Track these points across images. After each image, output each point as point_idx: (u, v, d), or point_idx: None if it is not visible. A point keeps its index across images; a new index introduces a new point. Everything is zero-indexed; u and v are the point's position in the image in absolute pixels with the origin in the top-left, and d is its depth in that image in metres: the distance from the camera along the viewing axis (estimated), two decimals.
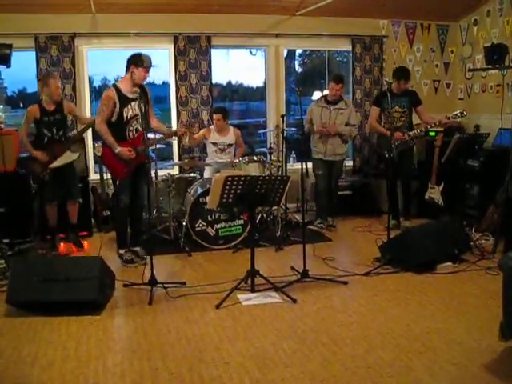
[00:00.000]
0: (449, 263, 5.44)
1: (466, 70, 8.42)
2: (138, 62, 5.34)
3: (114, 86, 5.47)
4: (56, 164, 5.96)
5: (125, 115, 5.41)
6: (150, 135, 5.78)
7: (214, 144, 6.94)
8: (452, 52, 8.65)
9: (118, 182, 5.58)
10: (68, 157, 6.05)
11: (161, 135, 5.81)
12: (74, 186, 6.26)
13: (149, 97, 5.63)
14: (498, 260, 3.77)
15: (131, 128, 5.48)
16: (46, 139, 5.95)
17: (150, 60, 5.40)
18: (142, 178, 5.62)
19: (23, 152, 6.27)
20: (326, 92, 7.21)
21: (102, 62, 8.77)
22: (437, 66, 8.65)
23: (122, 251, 5.74)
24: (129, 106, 5.42)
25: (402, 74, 6.79)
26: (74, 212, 6.31)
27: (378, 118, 6.98)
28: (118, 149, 5.38)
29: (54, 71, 7.03)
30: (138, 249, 5.81)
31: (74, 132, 6.43)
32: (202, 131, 7.14)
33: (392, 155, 6.09)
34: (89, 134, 7.28)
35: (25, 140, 5.96)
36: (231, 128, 7.09)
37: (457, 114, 6.39)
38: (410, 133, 6.72)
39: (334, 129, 6.82)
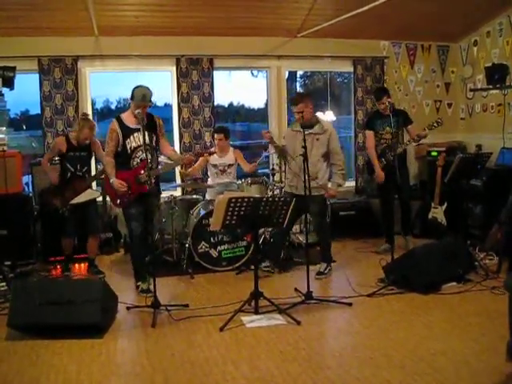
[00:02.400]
0: (453, 283, 5.40)
1: (467, 90, 8.45)
2: (131, 95, 5.29)
3: (118, 117, 5.45)
4: (77, 200, 5.93)
5: (128, 146, 5.36)
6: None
7: (215, 166, 6.92)
8: (453, 72, 8.70)
9: (126, 213, 5.50)
10: (90, 194, 6.01)
11: (169, 163, 5.75)
12: (95, 221, 6.20)
13: (158, 127, 5.51)
14: (504, 280, 3.75)
15: (135, 158, 5.40)
16: (69, 174, 5.94)
17: (142, 97, 5.21)
18: (146, 211, 5.49)
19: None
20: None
21: (104, 84, 8.84)
22: (438, 86, 8.68)
23: (138, 283, 5.59)
24: (131, 137, 5.36)
25: (378, 93, 6.77)
26: (93, 247, 6.20)
27: (373, 142, 6.81)
28: (112, 179, 5.34)
29: (57, 93, 7.08)
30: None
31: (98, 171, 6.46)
32: (201, 158, 6.93)
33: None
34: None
35: (45, 165, 6.00)
36: (231, 148, 7.08)
37: (433, 124, 6.35)
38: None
39: (334, 193, 6.03)
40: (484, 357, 3.83)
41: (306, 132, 5.54)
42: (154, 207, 5.65)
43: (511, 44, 7.37)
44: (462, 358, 3.84)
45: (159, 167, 5.58)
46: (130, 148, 5.37)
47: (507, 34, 7.44)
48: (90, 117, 6.60)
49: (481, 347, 4.00)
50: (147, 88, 5.29)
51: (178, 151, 7.55)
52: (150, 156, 5.30)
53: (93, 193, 6.09)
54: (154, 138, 5.47)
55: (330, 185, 5.96)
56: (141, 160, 5.39)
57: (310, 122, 5.79)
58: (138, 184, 5.36)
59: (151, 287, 5.13)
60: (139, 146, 5.34)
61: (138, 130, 5.30)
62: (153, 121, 5.46)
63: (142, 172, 5.32)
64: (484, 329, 4.35)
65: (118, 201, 5.45)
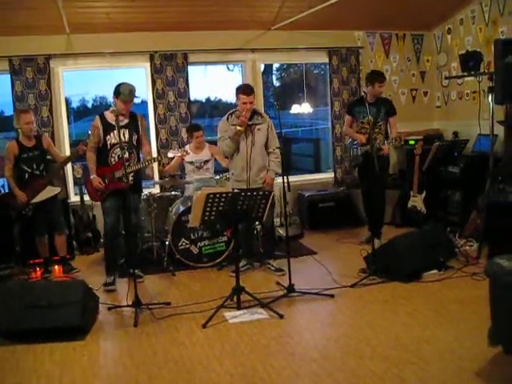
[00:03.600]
0: (434, 271, 5.44)
1: (442, 78, 8.49)
2: (116, 92, 5.41)
3: (101, 114, 5.61)
4: (38, 199, 5.91)
5: (108, 142, 5.52)
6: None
7: (191, 163, 6.87)
8: (428, 61, 8.73)
9: (102, 206, 5.67)
10: (50, 191, 5.98)
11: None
12: (58, 218, 6.19)
13: (140, 125, 5.70)
14: (484, 266, 3.77)
15: (113, 154, 5.56)
16: (26, 175, 5.89)
17: (129, 92, 5.37)
18: (126, 204, 5.55)
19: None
20: (235, 108, 5.88)
21: (80, 83, 8.73)
22: (413, 75, 8.71)
23: (106, 276, 5.68)
24: (112, 133, 5.48)
25: (376, 75, 6.58)
26: (61, 244, 6.22)
27: (351, 125, 6.84)
28: (92, 175, 5.57)
29: (30, 93, 6.98)
30: (137, 271, 5.62)
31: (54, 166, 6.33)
32: (177, 157, 7.00)
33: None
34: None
35: (8, 178, 5.91)
36: (206, 144, 7.03)
37: (392, 139, 6.34)
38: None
39: (271, 182, 5.82)
40: (467, 343, 3.85)
41: (247, 123, 5.61)
42: (134, 203, 5.66)
43: (484, 31, 7.41)
44: (445, 345, 3.86)
45: (138, 166, 5.61)
46: (109, 144, 5.51)
47: (480, 22, 7.48)
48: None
49: (463, 333, 4.02)
50: (131, 84, 5.42)
51: (155, 148, 7.50)
52: (127, 154, 5.47)
53: (53, 189, 6.04)
54: (136, 137, 5.61)
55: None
56: (119, 157, 5.51)
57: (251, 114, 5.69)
58: (113, 180, 5.53)
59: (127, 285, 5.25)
60: (117, 143, 5.44)
61: (120, 128, 5.33)
62: (135, 119, 5.63)
63: (119, 168, 5.44)
64: (466, 315, 4.38)
65: (99, 193, 5.59)
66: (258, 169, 5.73)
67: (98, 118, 5.60)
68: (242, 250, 6.03)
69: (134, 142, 5.60)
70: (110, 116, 5.47)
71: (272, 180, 5.81)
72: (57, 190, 6.11)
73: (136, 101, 5.58)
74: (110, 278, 5.64)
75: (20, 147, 5.86)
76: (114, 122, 5.32)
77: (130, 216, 5.52)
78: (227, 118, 5.78)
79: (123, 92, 5.35)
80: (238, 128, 5.56)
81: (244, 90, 5.65)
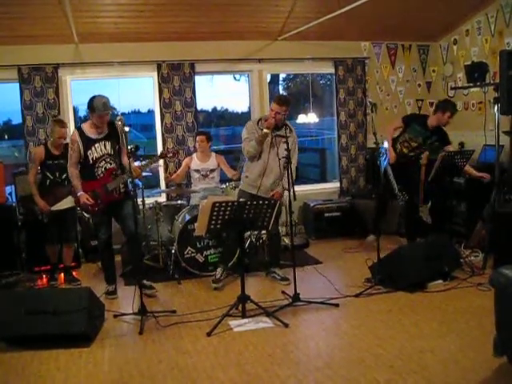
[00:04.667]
0: (439, 281, 5.43)
1: (448, 89, 8.50)
2: (91, 108, 5.20)
3: (79, 128, 5.41)
4: (57, 207, 5.90)
5: (90, 157, 5.30)
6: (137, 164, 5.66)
7: (197, 171, 6.92)
8: (434, 71, 8.75)
9: (92, 220, 5.56)
10: (69, 201, 5.93)
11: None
12: (71, 230, 6.19)
13: (121, 135, 5.37)
14: (489, 276, 3.77)
15: (99, 168, 5.35)
16: (48, 182, 5.91)
17: (103, 105, 5.15)
18: (120, 212, 5.46)
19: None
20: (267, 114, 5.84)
21: (87, 91, 8.78)
22: (419, 85, 8.73)
23: (106, 285, 5.65)
24: (93, 147, 5.30)
25: (452, 107, 6.56)
26: (68, 255, 6.24)
27: (396, 129, 6.84)
28: (79, 193, 5.32)
29: (38, 102, 7.03)
30: (145, 281, 5.58)
31: None
32: (184, 163, 7.14)
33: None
34: None
35: (31, 183, 5.90)
36: (213, 154, 7.07)
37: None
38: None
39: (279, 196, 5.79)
40: (471, 353, 3.85)
41: (274, 134, 5.67)
42: (130, 210, 5.40)
43: (490, 42, 7.44)
44: (449, 355, 3.85)
45: (124, 175, 5.37)
46: (93, 159, 5.32)
47: (486, 33, 7.51)
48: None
49: (468, 344, 4.02)
50: (103, 96, 5.22)
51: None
52: (113, 164, 5.37)
53: (72, 200, 6.00)
54: (116, 147, 5.42)
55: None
56: (105, 169, 5.37)
57: (280, 124, 5.68)
58: (107, 193, 5.36)
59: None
60: (101, 157, 5.34)
61: (99, 140, 5.32)
62: (114, 128, 5.38)
63: (110, 180, 5.34)
64: (471, 325, 4.38)
65: (97, 208, 5.39)
66: (273, 179, 5.75)
67: (76, 132, 5.35)
68: (220, 258, 6.11)
69: (116, 152, 5.43)
70: (89, 130, 5.31)
71: (280, 195, 5.83)
72: None
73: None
74: (112, 287, 5.62)
75: (46, 153, 5.88)
76: (93, 136, 5.30)
77: (129, 224, 5.39)
78: (257, 122, 5.80)
79: (97, 106, 5.14)
80: (265, 130, 5.58)
81: (277, 99, 5.67)
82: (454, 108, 6.63)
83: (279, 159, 5.55)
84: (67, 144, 6.01)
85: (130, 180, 5.25)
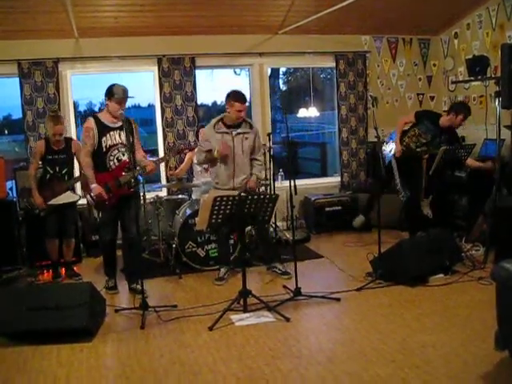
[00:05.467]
0: (441, 275, 5.43)
1: (448, 83, 8.49)
2: (109, 94, 5.18)
3: (94, 115, 5.37)
4: (54, 202, 5.85)
5: (103, 144, 5.23)
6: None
7: (199, 164, 6.90)
8: (434, 65, 8.73)
9: (100, 217, 5.44)
10: (68, 197, 5.93)
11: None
12: (70, 226, 6.13)
13: (134, 130, 5.32)
14: (491, 270, 3.76)
15: (111, 157, 5.28)
16: (48, 176, 5.87)
17: (123, 91, 5.17)
18: (127, 211, 5.37)
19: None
20: (223, 114, 5.76)
21: (87, 86, 8.77)
22: (420, 79, 8.71)
23: (106, 278, 5.62)
24: (108, 135, 5.25)
25: (466, 109, 6.55)
26: (68, 250, 6.21)
27: (407, 123, 6.83)
28: (93, 185, 5.19)
29: (38, 97, 7.03)
30: (134, 286, 5.49)
31: (78, 174, 6.28)
32: (187, 157, 7.10)
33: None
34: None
35: (31, 176, 5.86)
36: None
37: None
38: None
39: (254, 186, 5.87)
40: (473, 348, 3.85)
41: (234, 132, 5.63)
42: (138, 208, 5.51)
43: (491, 36, 7.42)
44: (451, 349, 3.86)
45: (137, 168, 5.31)
46: (106, 146, 5.24)
47: (487, 26, 7.49)
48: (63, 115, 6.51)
49: (469, 338, 4.02)
50: (122, 85, 5.24)
51: (162, 151, 7.55)
52: (125, 156, 5.28)
53: (72, 196, 6.03)
54: (131, 140, 5.27)
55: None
56: (118, 160, 5.31)
57: (238, 122, 5.67)
58: (119, 186, 5.27)
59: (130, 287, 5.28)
60: (115, 145, 5.27)
61: (114, 129, 5.26)
62: (129, 122, 5.30)
63: (124, 173, 5.26)
64: (472, 319, 4.38)
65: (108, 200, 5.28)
66: (243, 177, 5.72)
67: (91, 119, 5.28)
68: (220, 258, 6.07)
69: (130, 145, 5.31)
70: (105, 117, 5.27)
71: (255, 184, 5.83)
72: (76, 197, 6.09)
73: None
74: (112, 282, 5.58)
75: (47, 147, 5.84)
76: (110, 124, 5.26)
77: (132, 228, 5.30)
78: (214, 125, 5.67)
79: (117, 92, 5.14)
80: (215, 154, 5.53)
81: (239, 97, 5.57)
82: (469, 111, 6.59)
83: (248, 158, 5.66)
84: (68, 138, 6.03)
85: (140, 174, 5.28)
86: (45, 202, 5.82)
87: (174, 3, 6.66)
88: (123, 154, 5.30)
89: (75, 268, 6.28)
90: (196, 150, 5.83)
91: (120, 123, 5.26)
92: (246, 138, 5.68)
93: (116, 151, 5.29)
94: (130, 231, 5.37)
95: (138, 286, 5.31)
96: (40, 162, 5.90)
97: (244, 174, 5.73)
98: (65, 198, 5.91)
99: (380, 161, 5.95)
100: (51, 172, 5.88)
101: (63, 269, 6.22)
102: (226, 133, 5.62)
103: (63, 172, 5.92)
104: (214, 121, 5.74)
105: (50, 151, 5.85)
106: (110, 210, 5.36)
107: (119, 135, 5.28)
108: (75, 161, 6.09)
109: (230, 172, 5.67)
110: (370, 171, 8.30)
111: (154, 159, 5.74)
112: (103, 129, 5.25)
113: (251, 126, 5.79)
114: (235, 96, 5.58)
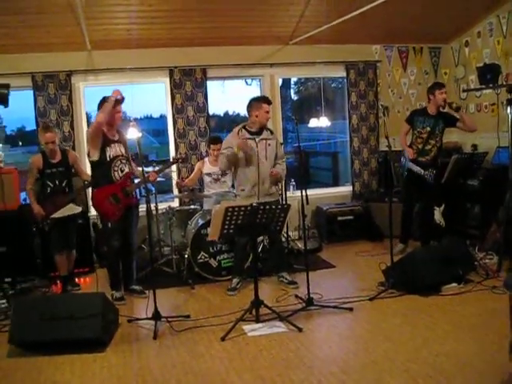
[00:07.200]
0: (454, 284, 5.39)
1: (460, 91, 8.47)
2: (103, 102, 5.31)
3: None
4: (58, 215, 5.84)
5: (107, 153, 5.37)
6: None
7: (209, 175, 6.92)
8: (445, 73, 8.72)
9: (109, 226, 5.48)
10: (70, 209, 5.92)
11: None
12: (73, 237, 6.13)
13: (137, 143, 5.26)
14: (504, 279, 3.74)
15: (115, 168, 5.44)
16: (48, 190, 5.86)
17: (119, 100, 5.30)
18: (130, 222, 5.61)
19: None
20: (244, 122, 5.85)
21: (99, 98, 8.84)
22: None
23: (112, 291, 5.64)
24: (111, 145, 5.40)
25: (434, 84, 6.73)
26: (69, 262, 6.17)
27: (407, 133, 6.85)
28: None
29: (52, 109, 7.10)
30: (134, 287, 5.76)
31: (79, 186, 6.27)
32: (196, 167, 7.14)
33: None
34: (89, 167, 7.26)
35: (28, 191, 5.85)
36: None
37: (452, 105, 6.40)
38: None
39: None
40: (487, 357, 3.82)
41: (257, 138, 5.68)
42: (136, 218, 5.78)
43: (502, 43, 7.41)
44: (465, 359, 3.83)
45: (138, 179, 5.58)
46: (109, 156, 5.38)
47: (497, 34, 7.48)
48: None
49: (483, 347, 3.99)
50: None
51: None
52: (127, 168, 5.53)
53: (74, 208, 5.99)
54: (127, 153, 5.59)
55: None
56: (121, 171, 5.48)
57: (261, 128, 5.74)
58: (126, 196, 5.48)
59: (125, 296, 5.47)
60: (118, 156, 5.44)
61: (114, 142, 5.44)
62: (123, 137, 5.61)
63: (129, 184, 5.47)
64: (486, 329, 4.34)
65: (117, 210, 5.44)
66: (268, 184, 5.73)
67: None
68: (234, 268, 6.05)
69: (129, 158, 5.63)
70: (105, 129, 5.36)
71: (277, 172, 5.74)
72: (78, 209, 6.06)
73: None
74: (119, 293, 5.61)
75: (45, 162, 5.83)
76: (110, 136, 5.40)
77: (132, 237, 5.63)
78: (237, 132, 5.72)
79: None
80: (235, 150, 5.54)
81: (266, 99, 5.79)
82: (439, 84, 6.68)
83: (272, 165, 5.70)
84: (64, 150, 6.10)
85: (143, 185, 5.47)
86: (47, 216, 5.82)
87: (185, 15, 6.71)
88: (125, 166, 5.52)
89: (87, 280, 6.30)
90: (219, 157, 5.85)
91: (118, 136, 5.50)
92: (269, 145, 5.73)
93: (119, 162, 5.47)
94: (131, 238, 5.64)
95: (137, 287, 5.72)
96: (38, 175, 5.85)
97: (268, 182, 5.71)
98: (67, 210, 5.90)
99: (392, 170, 5.95)
100: (51, 186, 5.86)
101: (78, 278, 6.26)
102: (250, 139, 5.66)
103: (63, 184, 5.93)
104: (236, 128, 5.79)
105: (48, 165, 5.84)
106: (118, 219, 5.48)
107: (119, 148, 5.49)
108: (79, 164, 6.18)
109: (255, 179, 5.68)
110: (382, 181, 8.29)
111: (156, 169, 5.89)
112: (105, 139, 5.39)
113: (272, 133, 5.88)
114: (263, 98, 5.87)
